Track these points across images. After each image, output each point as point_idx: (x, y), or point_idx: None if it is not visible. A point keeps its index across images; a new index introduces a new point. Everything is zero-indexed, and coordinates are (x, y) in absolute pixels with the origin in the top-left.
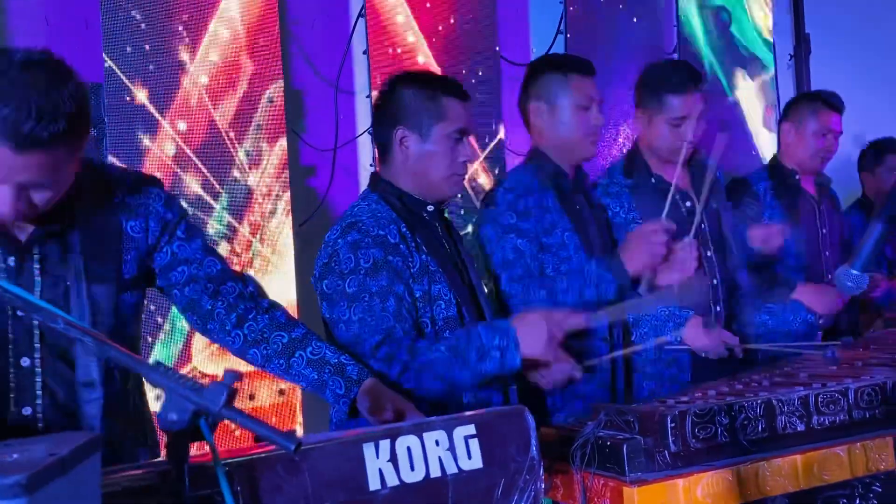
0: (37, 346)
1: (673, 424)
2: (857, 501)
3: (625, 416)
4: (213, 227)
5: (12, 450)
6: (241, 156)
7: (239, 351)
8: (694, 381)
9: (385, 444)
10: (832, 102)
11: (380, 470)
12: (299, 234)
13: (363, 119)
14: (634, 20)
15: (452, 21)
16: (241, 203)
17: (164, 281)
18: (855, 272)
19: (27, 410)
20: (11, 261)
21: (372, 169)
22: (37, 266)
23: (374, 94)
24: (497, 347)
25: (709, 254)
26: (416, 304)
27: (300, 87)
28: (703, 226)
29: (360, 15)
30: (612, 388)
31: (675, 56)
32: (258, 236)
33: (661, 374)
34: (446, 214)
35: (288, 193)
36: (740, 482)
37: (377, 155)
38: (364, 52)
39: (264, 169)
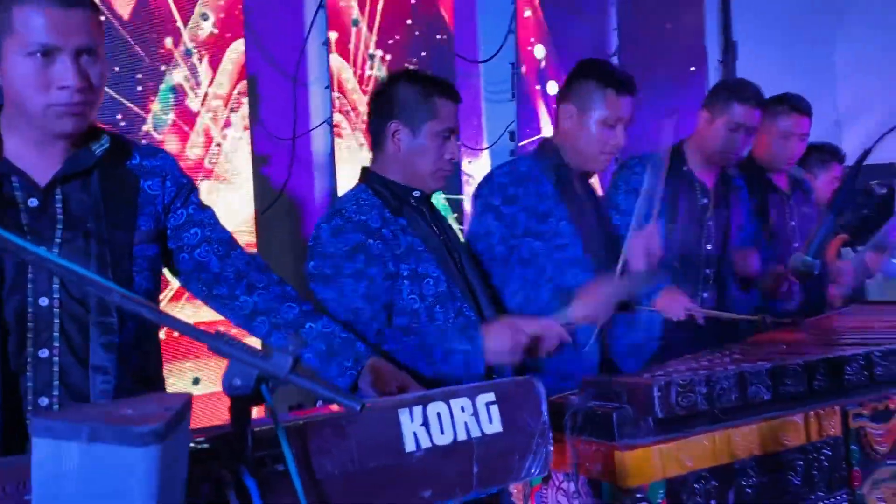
0: (55, 286)
1: (659, 394)
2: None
3: (613, 387)
4: None
5: (121, 406)
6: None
7: (245, 318)
8: (664, 346)
9: (418, 410)
10: (799, 105)
11: (414, 433)
12: (260, 222)
13: (319, 110)
14: (579, 22)
15: (409, 21)
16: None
17: (175, 242)
18: (808, 258)
19: (44, 353)
20: (34, 201)
21: (328, 158)
22: (59, 206)
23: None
24: (462, 352)
25: (708, 247)
26: (403, 284)
27: (255, 74)
28: (710, 222)
29: (319, 6)
30: (599, 370)
31: (616, 59)
32: None
33: (635, 345)
34: (433, 200)
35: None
36: (715, 447)
37: (370, 144)
38: (323, 44)
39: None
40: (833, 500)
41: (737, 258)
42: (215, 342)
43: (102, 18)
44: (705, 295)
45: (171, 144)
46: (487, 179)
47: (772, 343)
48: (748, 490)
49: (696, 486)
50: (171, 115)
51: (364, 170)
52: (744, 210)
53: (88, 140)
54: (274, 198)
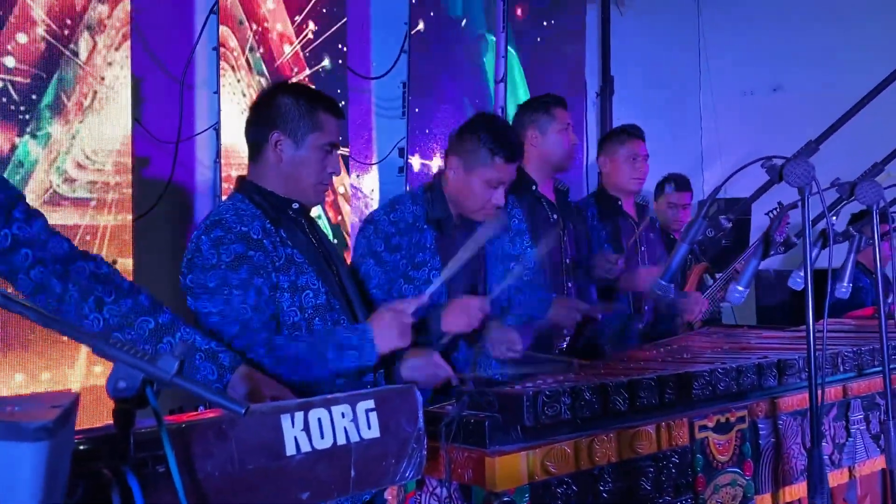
0: None
1: (528, 403)
2: (662, 472)
3: (486, 396)
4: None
5: (10, 402)
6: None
7: None
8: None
9: (299, 415)
10: (634, 132)
11: (295, 438)
12: (137, 227)
13: (205, 115)
14: (467, 48)
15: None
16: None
17: (6, 266)
18: (663, 282)
19: None
20: None
21: (213, 165)
22: None
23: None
24: (354, 347)
25: (567, 260)
26: (282, 296)
27: (141, 76)
28: (564, 237)
29: (212, 11)
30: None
31: (503, 84)
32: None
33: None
34: (312, 213)
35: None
36: (577, 453)
37: (248, 153)
38: (214, 49)
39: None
40: (679, 503)
41: (599, 262)
42: (100, 344)
43: None
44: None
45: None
46: (374, 222)
47: (630, 359)
48: (605, 495)
49: (558, 490)
50: None
51: (240, 179)
52: (588, 213)
53: None
54: (153, 203)
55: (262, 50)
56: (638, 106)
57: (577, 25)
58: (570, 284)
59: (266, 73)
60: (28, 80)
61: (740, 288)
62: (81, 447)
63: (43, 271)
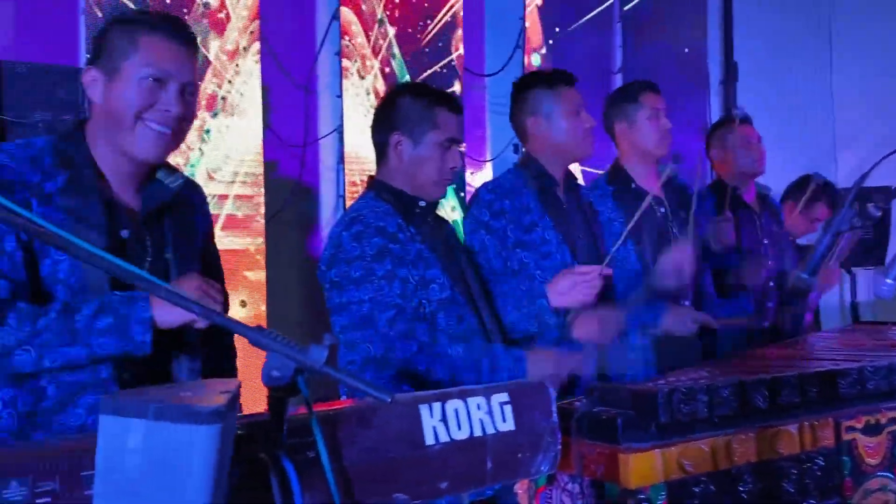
0: None
1: (662, 400)
2: (805, 473)
3: (618, 393)
4: None
5: (178, 389)
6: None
7: None
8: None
9: (437, 406)
10: (742, 117)
11: (433, 428)
12: (268, 228)
13: (329, 118)
14: (582, 41)
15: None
16: None
17: None
18: (805, 276)
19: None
20: (125, 233)
21: (337, 167)
22: (147, 238)
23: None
24: (508, 368)
25: None
26: (417, 289)
27: (267, 83)
28: (674, 229)
29: (334, 17)
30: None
31: (620, 76)
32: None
33: (637, 359)
34: (438, 209)
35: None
36: (714, 452)
37: (375, 154)
38: (336, 54)
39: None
40: None
41: (711, 229)
42: (256, 335)
43: None
44: (686, 303)
45: None
46: (475, 197)
47: (768, 356)
48: (744, 496)
49: (695, 489)
50: None
51: (371, 178)
52: (707, 205)
53: (159, 172)
54: (282, 203)
55: (383, 52)
56: (764, 93)
57: (697, 9)
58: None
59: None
60: None
61: (889, 281)
62: (239, 432)
63: None
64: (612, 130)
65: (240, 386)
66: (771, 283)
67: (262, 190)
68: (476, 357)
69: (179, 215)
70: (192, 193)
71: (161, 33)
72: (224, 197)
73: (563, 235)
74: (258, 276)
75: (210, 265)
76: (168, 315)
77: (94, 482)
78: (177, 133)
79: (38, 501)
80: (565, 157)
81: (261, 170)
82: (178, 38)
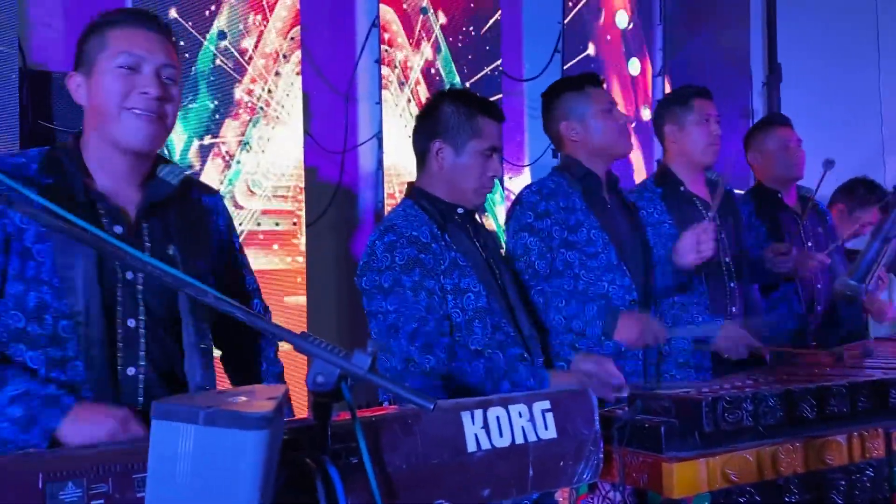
0: (141, 308)
1: (707, 409)
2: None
3: (661, 401)
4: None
5: (229, 394)
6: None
7: None
8: (714, 368)
9: (479, 413)
10: (780, 120)
11: (475, 435)
12: (309, 233)
13: (368, 125)
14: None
15: (458, 40)
16: None
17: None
18: (853, 282)
19: (131, 370)
20: (118, 228)
21: (376, 173)
22: (146, 234)
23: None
24: (529, 389)
25: (727, 259)
26: (447, 298)
27: (308, 91)
28: (721, 234)
29: (373, 25)
30: (644, 376)
31: (661, 77)
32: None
33: (688, 362)
34: (476, 216)
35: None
36: (759, 462)
37: (416, 161)
38: (376, 61)
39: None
40: None
41: (767, 256)
42: (301, 342)
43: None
44: (734, 309)
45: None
46: (518, 200)
47: (817, 363)
48: None
49: (740, 499)
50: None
51: (410, 185)
52: (744, 210)
53: (160, 169)
54: (322, 209)
55: (425, 57)
56: (808, 93)
57: (740, 10)
58: (732, 285)
59: (440, 72)
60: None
61: None
62: (285, 437)
63: None
64: (661, 131)
65: (287, 392)
66: (818, 286)
67: (303, 196)
68: (496, 378)
69: (185, 213)
70: (202, 195)
71: (128, 24)
72: (266, 212)
73: (610, 235)
74: (299, 275)
75: (230, 268)
76: (77, 435)
77: (146, 485)
78: (161, 117)
79: (92, 503)
80: (604, 157)
81: (302, 183)
82: (146, 26)
